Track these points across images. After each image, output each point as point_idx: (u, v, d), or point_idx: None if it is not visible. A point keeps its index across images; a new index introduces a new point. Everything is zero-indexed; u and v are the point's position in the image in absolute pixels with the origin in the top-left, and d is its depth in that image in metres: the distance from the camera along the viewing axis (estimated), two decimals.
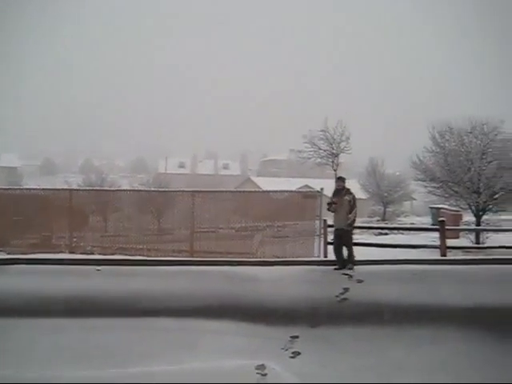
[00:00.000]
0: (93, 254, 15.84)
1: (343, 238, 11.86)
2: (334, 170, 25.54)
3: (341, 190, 12.01)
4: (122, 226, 17.02)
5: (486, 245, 18.30)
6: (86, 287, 10.42)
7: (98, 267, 12.51)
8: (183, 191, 17.59)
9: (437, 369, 6.01)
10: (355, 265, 11.86)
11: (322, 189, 15.74)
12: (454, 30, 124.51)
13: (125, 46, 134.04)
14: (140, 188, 32.43)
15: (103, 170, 62.70)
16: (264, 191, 19.24)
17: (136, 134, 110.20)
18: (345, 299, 9.35)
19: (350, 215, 11.79)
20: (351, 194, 12.01)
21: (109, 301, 9.33)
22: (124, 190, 19.70)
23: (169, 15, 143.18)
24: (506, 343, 6.95)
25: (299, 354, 6.43)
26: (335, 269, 11.75)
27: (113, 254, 15.63)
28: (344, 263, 11.41)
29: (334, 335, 7.28)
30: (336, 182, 12.26)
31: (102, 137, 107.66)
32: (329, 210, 11.98)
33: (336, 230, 11.97)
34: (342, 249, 11.86)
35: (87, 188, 25.22)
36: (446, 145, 21.42)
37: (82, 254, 15.68)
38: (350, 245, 11.92)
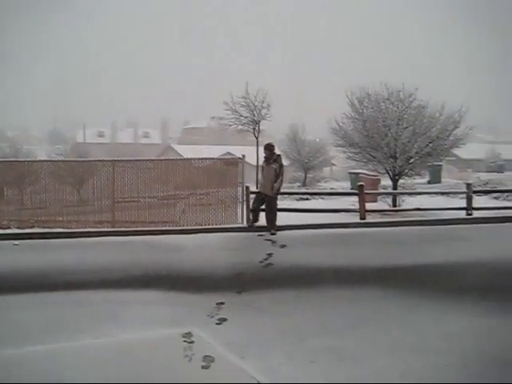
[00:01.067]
0: (9, 228, 15.31)
1: (267, 204, 12.10)
2: (256, 137, 25.55)
3: (269, 157, 12.18)
4: (39, 198, 16.47)
5: (402, 207, 19.01)
6: (2, 263, 10.07)
7: (16, 241, 12.10)
8: (103, 161, 17.18)
9: (358, 325, 6.23)
10: (278, 230, 12.09)
11: (243, 156, 15.79)
12: None
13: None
14: (57, 158, 31.36)
15: (17, 140, 60.18)
16: (186, 159, 19.04)
17: (53, 104, 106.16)
18: (269, 264, 9.50)
19: (275, 184, 12.01)
20: (278, 162, 12.18)
21: (28, 276, 9.06)
22: (41, 161, 19.00)
23: None
24: (420, 298, 7.28)
25: (225, 320, 6.50)
26: (249, 225, 12.07)
27: (31, 228, 15.18)
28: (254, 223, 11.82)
29: (259, 300, 7.40)
30: (264, 150, 12.38)
31: (15, 107, 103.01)
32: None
33: (259, 193, 12.23)
34: (259, 211, 12.14)
35: (0, 159, 24.14)
36: (365, 111, 21.88)
37: None
38: (274, 211, 12.16)
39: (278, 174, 12.06)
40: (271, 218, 12.04)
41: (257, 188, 14.02)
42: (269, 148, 12.34)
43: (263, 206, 12.31)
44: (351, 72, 76.10)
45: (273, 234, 11.71)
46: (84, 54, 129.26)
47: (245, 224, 14.03)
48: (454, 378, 4.79)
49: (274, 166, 12.06)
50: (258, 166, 18.07)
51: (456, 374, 4.87)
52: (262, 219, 12.40)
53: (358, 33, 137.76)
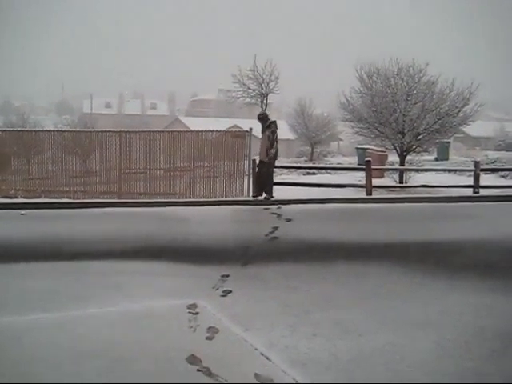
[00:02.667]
0: (16, 197, 15.41)
1: (263, 170, 12.35)
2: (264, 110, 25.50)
3: (264, 125, 12.49)
4: (46, 168, 16.54)
5: (408, 184, 18.99)
6: (9, 231, 10.16)
7: (23, 211, 12.20)
8: (109, 131, 17.19)
9: (363, 300, 6.27)
10: (284, 204, 12.12)
11: (250, 129, 15.76)
12: None
13: None
14: (64, 129, 31.34)
15: (24, 110, 60.12)
16: (193, 131, 19.03)
17: (59, 73, 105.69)
18: (274, 238, 9.55)
19: (271, 150, 12.29)
20: (271, 128, 12.35)
21: (36, 245, 9.15)
22: (47, 131, 19.00)
23: None
24: (425, 275, 7.31)
25: (230, 292, 6.54)
26: (253, 196, 12.41)
27: (38, 198, 15.27)
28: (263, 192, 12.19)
29: (264, 273, 7.43)
30: (258, 118, 12.79)
31: (22, 78, 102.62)
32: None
33: (260, 162, 12.67)
34: (261, 179, 12.50)
35: (7, 129, 24.14)
36: (373, 86, 21.71)
37: (4, 197, 15.22)
38: (270, 178, 12.39)
39: (272, 140, 12.27)
40: (269, 186, 12.29)
41: None
42: (261, 118, 12.71)
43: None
44: (362, 46, 75.41)
45: (267, 199, 12.05)
46: (93, 26, 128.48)
47: (251, 197, 14.12)
48: (453, 351, 4.82)
49: (267, 132, 12.35)
50: None
51: (456, 347, 4.90)
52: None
53: (372, 7, 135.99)
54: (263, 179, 12.52)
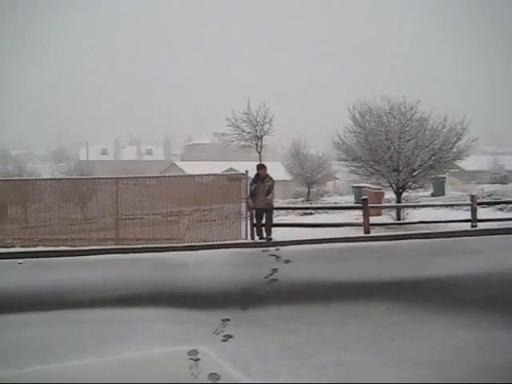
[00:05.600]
0: (13, 246, 15.34)
1: (266, 216, 13.66)
2: (259, 153, 25.59)
3: (262, 176, 13.91)
4: (43, 216, 16.50)
5: (406, 220, 18.97)
6: (6, 281, 10.08)
7: (20, 260, 12.13)
8: (106, 178, 17.22)
9: (364, 340, 6.20)
10: (282, 245, 12.16)
11: (246, 171, 15.82)
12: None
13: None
14: (61, 177, 31.43)
15: (21, 159, 60.38)
16: (189, 175, 19.12)
17: (55, 121, 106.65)
18: (274, 280, 9.48)
19: (268, 196, 13.66)
20: (271, 179, 13.99)
21: (33, 294, 9.06)
22: (44, 179, 19.03)
23: None
24: (428, 312, 7.25)
25: (231, 336, 6.46)
26: (261, 239, 13.40)
27: (35, 246, 15.20)
28: (263, 235, 13.45)
29: (264, 316, 7.36)
30: (259, 169, 14.13)
31: (19, 126, 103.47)
32: (252, 198, 14.34)
33: (258, 209, 13.68)
34: (262, 225, 13.74)
35: (4, 178, 24.21)
36: (367, 125, 21.88)
37: (1, 247, 15.14)
38: (271, 220, 13.79)
39: (271, 188, 13.92)
40: (270, 228, 13.68)
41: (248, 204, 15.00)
42: (264, 168, 14.37)
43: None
44: (353, 86, 76.43)
45: (269, 240, 12.99)
46: (87, 72, 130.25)
47: (249, 239, 14.17)
48: None
49: (269, 183, 13.92)
50: None
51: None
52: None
53: (360, 46, 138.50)
54: (267, 224, 13.81)
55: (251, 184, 14.45)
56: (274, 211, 16.53)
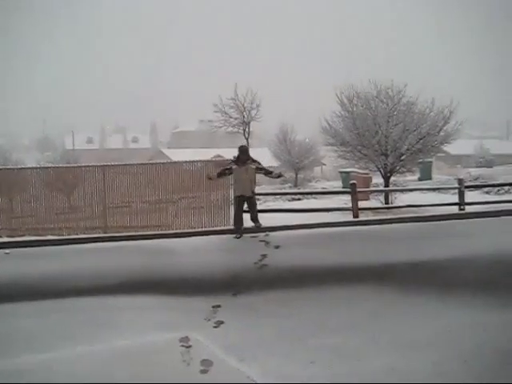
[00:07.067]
0: (0, 236, 15.20)
1: (250, 204, 11.93)
2: (246, 139, 25.56)
3: (244, 159, 11.91)
4: (29, 206, 16.36)
5: (394, 204, 19.01)
6: None
7: (7, 250, 11.96)
8: (93, 166, 17.08)
9: (357, 324, 6.20)
10: (271, 231, 12.02)
11: (234, 157, 15.71)
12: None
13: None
14: (47, 165, 31.15)
15: (6, 148, 59.76)
16: (176, 162, 18.97)
17: (40, 110, 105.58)
18: (263, 265, 9.43)
19: (254, 185, 11.92)
20: (256, 160, 12.01)
21: (20, 284, 8.94)
22: (30, 168, 18.84)
23: None
24: (419, 295, 7.25)
25: (222, 322, 6.43)
26: (236, 237, 11.81)
27: (22, 236, 15.06)
28: (243, 230, 11.50)
29: (255, 302, 7.33)
30: (240, 151, 11.97)
31: (2, 116, 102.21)
32: (219, 174, 11.84)
33: (239, 196, 11.87)
34: (242, 215, 11.99)
35: None
36: (354, 109, 21.90)
37: None
38: (256, 208, 12.06)
39: (263, 167, 11.94)
40: (256, 215, 11.95)
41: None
42: (246, 150, 12.09)
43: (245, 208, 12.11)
44: (340, 70, 76.34)
45: (258, 227, 11.66)
46: (72, 59, 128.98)
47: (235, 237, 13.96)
48: (452, 371, 4.75)
49: (253, 165, 11.80)
50: None
51: (455, 367, 4.83)
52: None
53: (350, 31, 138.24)
54: (252, 213, 12.21)
55: (229, 163, 12.37)
56: (262, 197, 16.27)
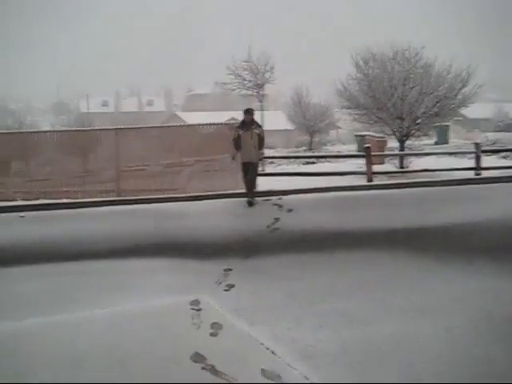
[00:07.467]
0: (15, 200, 15.29)
1: (250, 171, 11.48)
2: (260, 102, 25.26)
3: (249, 123, 11.52)
4: (44, 169, 16.41)
5: (409, 169, 18.82)
6: (9, 234, 10.03)
7: (22, 213, 12.05)
8: (106, 129, 17.05)
9: (367, 288, 6.18)
10: (284, 194, 11.92)
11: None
12: None
13: None
14: (62, 129, 31.18)
15: (21, 112, 59.85)
16: (190, 125, 18.89)
17: (55, 73, 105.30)
18: (276, 229, 9.41)
19: (261, 150, 11.46)
20: (260, 126, 11.62)
21: (35, 247, 9.02)
22: (44, 132, 18.85)
23: None
24: (431, 260, 7.21)
25: (233, 286, 6.45)
26: (248, 202, 11.50)
27: (37, 199, 15.14)
28: (255, 197, 11.15)
29: (267, 265, 7.34)
30: (244, 114, 11.52)
31: (18, 80, 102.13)
32: (235, 146, 11.37)
33: (245, 163, 11.45)
34: (251, 183, 11.62)
35: (4, 131, 23.99)
36: (370, 71, 21.52)
37: (3, 200, 15.09)
38: (256, 177, 11.66)
39: (262, 138, 11.52)
40: (254, 184, 11.55)
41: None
42: (251, 112, 11.65)
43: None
44: (357, 32, 75.10)
45: (251, 204, 11.24)
46: (86, 24, 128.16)
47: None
48: (462, 337, 4.73)
49: (257, 130, 11.38)
50: None
51: (465, 333, 4.81)
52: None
53: None
54: (250, 181, 11.64)
55: (236, 130, 11.52)
56: (276, 160, 16.03)
